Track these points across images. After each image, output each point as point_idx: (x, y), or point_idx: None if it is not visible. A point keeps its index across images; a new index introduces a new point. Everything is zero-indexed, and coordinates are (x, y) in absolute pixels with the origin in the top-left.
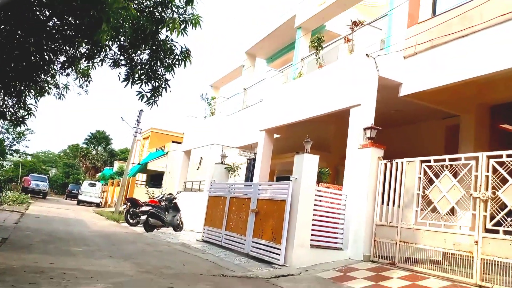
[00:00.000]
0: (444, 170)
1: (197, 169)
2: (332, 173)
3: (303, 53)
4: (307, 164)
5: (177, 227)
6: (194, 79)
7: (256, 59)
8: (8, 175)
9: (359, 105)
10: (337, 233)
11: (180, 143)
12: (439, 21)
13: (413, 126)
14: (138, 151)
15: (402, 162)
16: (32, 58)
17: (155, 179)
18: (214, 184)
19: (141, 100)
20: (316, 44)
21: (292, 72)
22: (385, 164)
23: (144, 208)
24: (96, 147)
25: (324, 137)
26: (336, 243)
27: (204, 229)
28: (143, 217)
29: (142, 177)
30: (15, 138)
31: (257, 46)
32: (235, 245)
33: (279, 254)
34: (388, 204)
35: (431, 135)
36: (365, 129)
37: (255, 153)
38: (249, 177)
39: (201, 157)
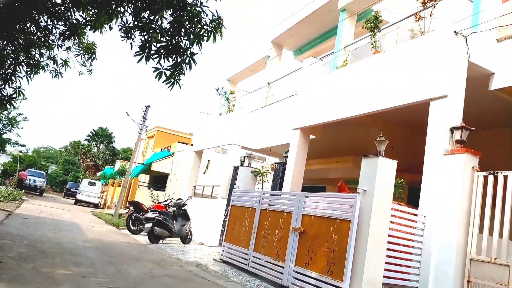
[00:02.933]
0: None
1: (204, 172)
2: None
3: (346, 39)
4: (382, 172)
5: (186, 238)
6: (206, 72)
7: (282, 51)
8: (2, 168)
9: (444, 96)
10: (410, 266)
11: (186, 144)
12: None
13: (502, 130)
14: (142, 150)
15: None
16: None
17: (159, 181)
18: (239, 191)
19: (159, 79)
20: (372, 24)
21: (330, 62)
22: (485, 177)
23: (150, 215)
24: (98, 145)
25: (363, 141)
26: (408, 280)
27: (224, 246)
28: (148, 225)
29: (145, 178)
30: (6, 125)
31: (285, 34)
32: (267, 273)
33: None
34: (490, 234)
35: None
36: (452, 129)
37: (285, 156)
38: (277, 184)
39: (208, 160)
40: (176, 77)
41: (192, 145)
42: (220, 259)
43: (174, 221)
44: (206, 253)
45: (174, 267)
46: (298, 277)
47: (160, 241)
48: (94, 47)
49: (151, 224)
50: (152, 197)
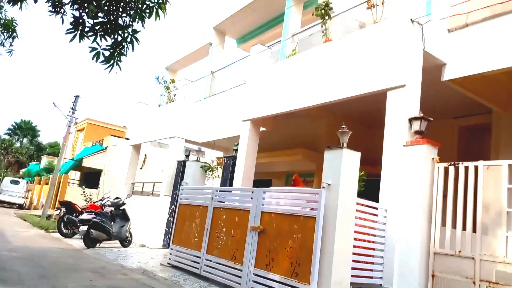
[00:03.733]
0: None
1: (141, 168)
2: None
3: (294, 27)
4: (347, 165)
5: (125, 240)
6: (141, 60)
7: (225, 38)
8: None
9: (402, 86)
10: (373, 263)
11: (120, 137)
12: None
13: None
14: (72, 145)
15: (476, 166)
16: None
17: (91, 178)
18: (187, 188)
19: (96, 60)
20: (322, 11)
21: (279, 52)
22: (446, 169)
23: (85, 216)
24: (21, 139)
25: (313, 134)
26: (371, 277)
27: (172, 249)
28: (83, 227)
29: (76, 175)
30: None
31: (228, 20)
32: (223, 277)
33: None
34: (453, 227)
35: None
36: (411, 120)
37: (235, 150)
38: (227, 179)
39: (145, 155)
40: (116, 58)
41: (127, 138)
42: (168, 263)
43: (112, 223)
44: (150, 256)
45: (118, 276)
46: (259, 280)
47: (97, 245)
48: (14, 24)
49: (86, 226)
50: (84, 196)
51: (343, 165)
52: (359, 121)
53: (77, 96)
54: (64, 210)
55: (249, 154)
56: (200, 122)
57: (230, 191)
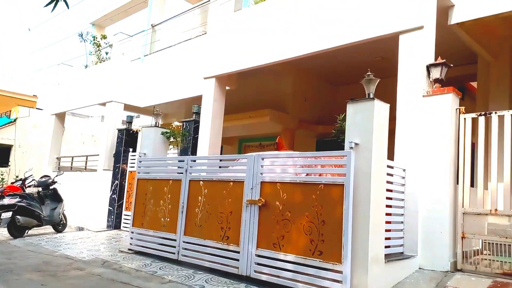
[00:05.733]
0: None
1: None
2: (288, 139)
3: None
4: (378, 119)
5: (59, 224)
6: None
7: None
8: None
9: (420, 28)
10: (390, 230)
11: (31, 108)
12: None
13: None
14: None
15: None
16: None
17: None
18: (147, 160)
19: None
20: None
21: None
22: (474, 120)
23: (7, 201)
24: None
25: (279, 92)
26: (389, 246)
27: (133, 232)
28: (6, 214)
29: None
30: None
31: None
32: (213, 261)
33: (338, 281)
34: (485, 186)
35: None
36: (430, 67)
37: (195, 113)
38: (188, 147)
39: (64, 127)
40: None
41: (39, 109)
42: (129, 249)
43: (42, 205)
44: (98, 241)
45: (73, 272)
46: (265, 262)
47: (26, 232)
48: None
49: (10, 213)
50: None
51: (375, 119)
52: (324, 78)
53: None
54: None
55: (216, 117)
56: (141, 84)
57: (212, 160)
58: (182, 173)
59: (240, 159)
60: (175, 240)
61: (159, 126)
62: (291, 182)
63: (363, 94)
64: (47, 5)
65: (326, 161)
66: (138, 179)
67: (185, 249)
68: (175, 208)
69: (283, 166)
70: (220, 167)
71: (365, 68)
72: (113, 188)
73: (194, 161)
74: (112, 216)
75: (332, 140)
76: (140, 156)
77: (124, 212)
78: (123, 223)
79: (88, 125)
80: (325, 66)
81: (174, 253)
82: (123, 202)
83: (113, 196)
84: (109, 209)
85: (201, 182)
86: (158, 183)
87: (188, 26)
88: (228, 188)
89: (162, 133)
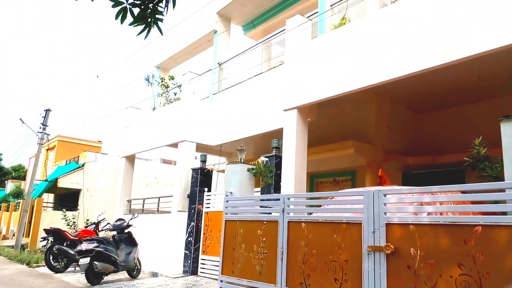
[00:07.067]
0: None
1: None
2: (375, 172)
3: None
4: None
5: (134, 270)
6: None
7: (231, 25)
8: None
9: None
10: None
11: (97, 153)
12: None
13: None
14: (41, 165)
15: None
16: None
17: (66, 199)
18: (234, 199)
19: (122, 21)
20: None
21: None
22: None
23: (85, 246)
24: None
25: (361, 121)
26: None
27: (222, 281)
28: (84, 260)
29: (48, 197)
30: None
31: (235, 2)
32: None
33: None
34: None
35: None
36: None
37: (275, 148)
38: (270, 185)
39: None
40: (151, 16)
41: (104, 154)
42: None
43: (117, 250)
44: None
45: None
46: None
47: (103, 278)
48: None
49: (88, 258)
50: (66, 220)
51: None
52: (406, 105)
53: (47, 110)
54: (52, 239)
55: (299, 151)
56: (210, 123)
57: (315, 198)
58: (277, 213)
59: (342, 197)
60: None
61: (244, 162)
62: (432, 223)
63: (451, 120)
64: (139, 33)
65: (481, 197)
66: (225, 220)
67: None
68: (272, 253)
69: (416, 204)
70: (320, 205)
71: (456, 90)
72: (189, 230)
73: (289, 198)
74: (189, 261)
75: (422, 173)
76: (226, 196)
77: (201, 256)
78: (201, 268)
79: (150, 167)
80: (408, 91)
81: None
82: (199, 245)
83: (189, 239)
84: (185, 253)
85: (303, 224)
86: (249, 225)
87: (252, 63)
88: (339, 231)
89: (248, 170)
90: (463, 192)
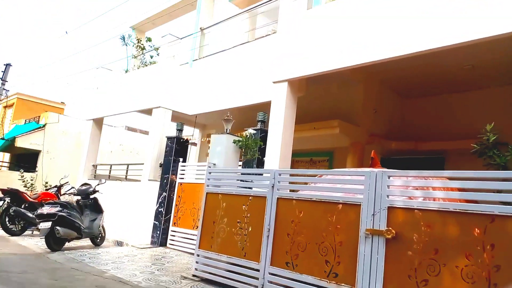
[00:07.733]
0: None
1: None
2: (357, 154)
3: None
4: None
5: (97, 238)
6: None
7: None
8: None
9: None
10: None
11: (60, 114)
12: None
13: None
14: None
15: None
16: None
17: (25, 160)
18: (218, 171)
19: None
20: None
21: None
22: None
23: (47, 209)
24: None
25: (348, 102)
26: None
27: (199, 255)
28: (45, 224)
29: (4, 157)
30: None
31: None
32: None
33: None
34: None
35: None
36: None
37: (260, 121)
38: (252, 160)
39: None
40: None
41: (67, 115)
42: (194, 275)
43: (81, 216)
44: (148, 261)
45: None
46: None
47: (64, 244)
48: None
49: (50, 223)
50: (24, 181)
51: None
52: (393, 89)
53: (7, 64)
54: (9, 201)
55: (287, 126)
56: (189, 91)
57: (310, 175)
58: (266, 188)
59: (342, 175)
60: (258, 270)
61: (230, 133)
62: (440, 210)
63: (437, 108)
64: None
65: (504, 185)
66: (207, 193)
67: (272, 282)
68: (257, 231)
69: (423, 188)
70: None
71: (447, 78)
72: (160, 200)
73: (280, 174)
74: (158, 232)
75: (402, 158)
76: (209, 167)
77: (171, 228)
78: (170, 240)
79: (115, 134)
80: (397, 74)
81: (256, 286)
82: (170, 216)
83: (159, 210)
84: (154, 223)
85: (294, 201)
86: (233, 199)
87: (237, 32)
88: (335, 212)
89: (234, 141)
90: (477, 179)
